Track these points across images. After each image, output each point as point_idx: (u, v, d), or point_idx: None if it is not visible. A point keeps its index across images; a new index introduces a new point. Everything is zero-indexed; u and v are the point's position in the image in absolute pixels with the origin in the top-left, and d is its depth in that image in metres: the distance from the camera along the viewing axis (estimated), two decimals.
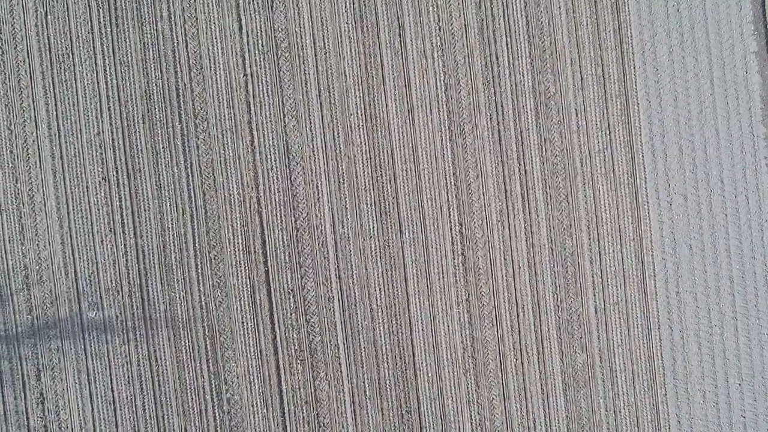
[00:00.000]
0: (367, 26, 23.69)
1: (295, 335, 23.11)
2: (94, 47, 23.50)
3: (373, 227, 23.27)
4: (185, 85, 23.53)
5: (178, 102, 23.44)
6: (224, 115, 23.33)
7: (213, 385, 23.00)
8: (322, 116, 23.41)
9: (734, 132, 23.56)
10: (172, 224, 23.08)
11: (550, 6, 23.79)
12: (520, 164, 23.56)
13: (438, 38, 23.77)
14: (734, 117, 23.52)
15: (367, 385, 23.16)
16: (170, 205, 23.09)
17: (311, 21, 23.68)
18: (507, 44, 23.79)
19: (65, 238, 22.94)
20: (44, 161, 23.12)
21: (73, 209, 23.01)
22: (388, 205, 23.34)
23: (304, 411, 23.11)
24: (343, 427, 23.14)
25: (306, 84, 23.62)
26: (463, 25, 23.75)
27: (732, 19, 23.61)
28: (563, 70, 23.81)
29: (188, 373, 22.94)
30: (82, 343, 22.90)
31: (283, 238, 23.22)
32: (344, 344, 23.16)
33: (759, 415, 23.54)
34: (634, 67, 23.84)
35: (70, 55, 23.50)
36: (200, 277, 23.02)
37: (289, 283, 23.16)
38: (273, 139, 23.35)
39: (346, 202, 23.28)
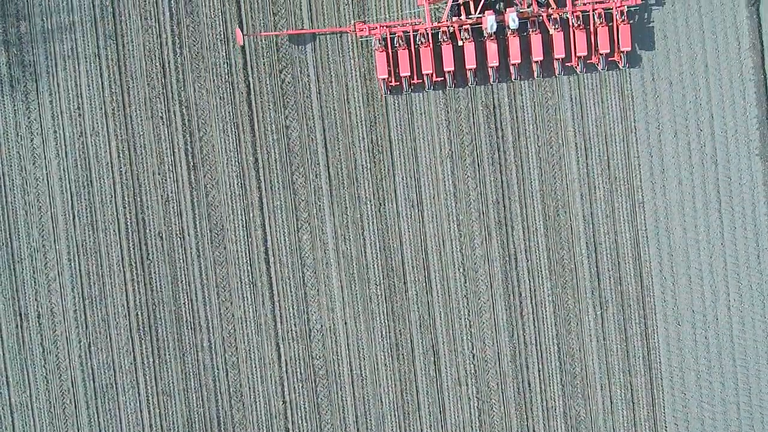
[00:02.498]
0: (402, 354, 24.33)
1: None
2: (136, 377, 24.13)
3: None
4: (225, 413, 24.20)
5: (219, 430, 24.19)
6: None
7: None
8: None
9: None
10: None
11: (581, 333, 24.40)
12: None
13: (472, 365, 24.42)
14: None
15: None
16: None
17: (348, 348, 24.30)
18: (539, 371, 24.45)
19: None
20: None
21: None
22: None
23: None
24: None
25: (343, 410, 24.32)
26: (496, 352, 24.39)
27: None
28: (593, 395, 24.47)
29: None
30: None
31: None
32: None
33: None
34: (663, 391, 24.52)
35: (114, 385, 24.13)
36: None
37: None
38: None
39: None
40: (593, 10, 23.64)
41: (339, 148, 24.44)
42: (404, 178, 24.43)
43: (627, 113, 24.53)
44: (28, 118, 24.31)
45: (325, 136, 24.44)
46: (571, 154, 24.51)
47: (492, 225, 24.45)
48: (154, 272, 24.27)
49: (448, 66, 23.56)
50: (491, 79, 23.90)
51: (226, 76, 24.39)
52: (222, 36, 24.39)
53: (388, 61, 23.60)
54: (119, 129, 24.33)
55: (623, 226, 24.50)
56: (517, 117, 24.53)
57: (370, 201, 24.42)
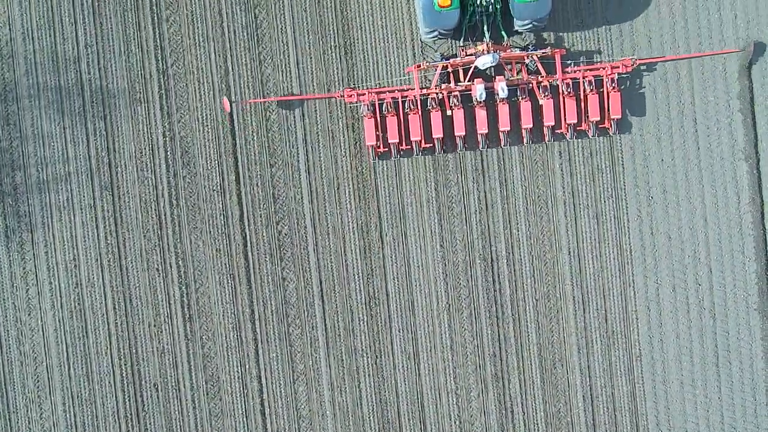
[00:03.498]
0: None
1: None
2: None
3: None
4: None
5: None
6: None
7: None
8: None
9: None
10: None
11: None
12: None
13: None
14: None
15: None
16: None
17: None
18: None
19: None
20: None
21: None
22: None
23: None
24: None
25: None
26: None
27: None
28: None
29: None
30: None
31: None
32: None
33: None
34: None
35: None
36: None
37: None
38: None
39: None
40: (583, 78, 23.53)
41: (336, 300, 24.40)
42: (401, 330, 24.40)
43: (625, 267, 24.45)
44: (24, 268, 24.23)
45: (321, 288, 24.39)
46: (569, 308, 24.46)
47: (488, 378, 24.42)
48: (150, 423, 24.27)
49: (437, 133, 23.49)
50: (480, 146, 23.78)
51: (223, 228, 24.30)
52: (219, 187, 24.29)
53: (376, 127, 23.47)
54: (115, 280, 24.26)
55: (620, 380, 24.48)
56: (515, 271, 24.45)
57: (367, 353, 24.38)
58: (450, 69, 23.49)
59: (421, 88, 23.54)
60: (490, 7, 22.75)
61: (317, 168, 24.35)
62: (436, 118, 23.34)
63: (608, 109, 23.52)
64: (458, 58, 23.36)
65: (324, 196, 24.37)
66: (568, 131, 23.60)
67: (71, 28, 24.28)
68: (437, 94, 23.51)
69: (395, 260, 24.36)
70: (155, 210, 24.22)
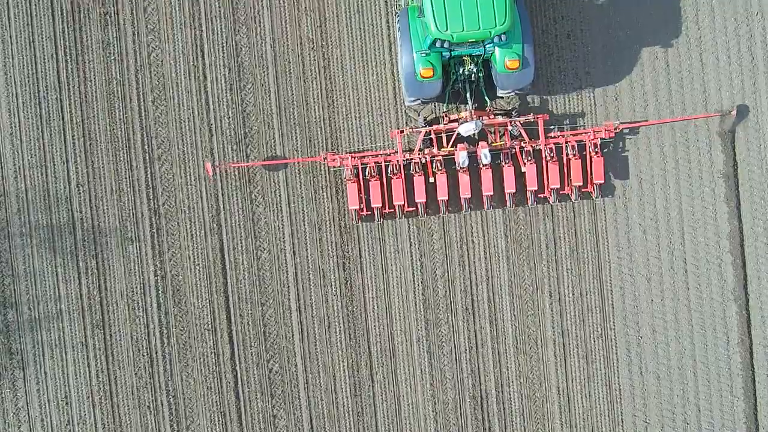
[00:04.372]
0: None
1: None
2: None
3: None
4: None
5: None
6: None
7: None
8: None
9: None
10: None
11: None
12: None
13: None
14: None
15: None
16: None
17: None
18: None
19: None
20: None
21: None
22: None
23: None
24: None
25: None
26: None
27: None
28: None
29: None
30: None
31: None
32: None
33: None
34: None
35: None
36: None
37: None
38: None
39: None
40: (566, 142, 23.70)
41: None
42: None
43: (614, 406, 24.59)
44: (16, 405, 24.36)
45: (312, 425, 24.49)
46: None
47: None
48: None
49: (420, 197, 23.58)
50: (463, 209, 23.92)
51: (214, 366, 24.41)
52: (209, 326, 24.41)
53: (359, 190, 23.63)
54: (106, 418, 24.39)
55: None
56: (504, 409, 24.59)
57: None
58: (433, 135, 23.64)
59: (404, 151, 23.65)
60: (473, 75, 22.82)
61: (308, 307, 24.47)
62: (419, 182, 23.53)
63: (591, 174, 23.66)
64: (441, 125, 23.59)
65: (315, 334, 24.50)
66: (551, 195, 23.81)
67: (63, 167, 24.34)
68: (420, 158, 23.42)
69: (385, 399, 24.47)
70: (146, 348, 24.34)
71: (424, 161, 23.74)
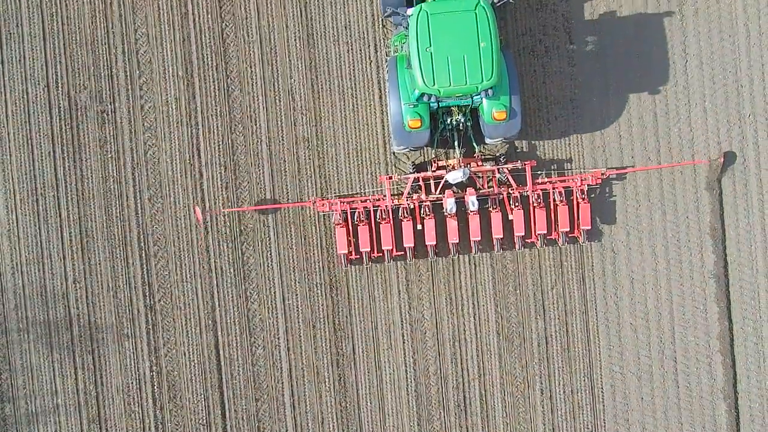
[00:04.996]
0: None
1: None
2: None
3: None
4: None
5: None
6: None
7: None
8: None
9: None
10: None
11: None
12: None
13: None
14: None
15: None
16: None
17: None
18: None
19: None
20: None
21: None
22: None
23: None
24: None
25: None
26: None
27: None
28: None
29: None
30: None
31: None
32: None
33: None
34: None
35: None
36: None
37: None
38: None
39: None
40: (553, 189, 24.00)
41: None
42: None
43: None
44: None
45: None
46: None
47: None
48: None
49: (408, 242, 23.89)
50: (451, 253, 24.23)
51: None
52: (204, 421, 24.68)
53: (348, 233, 23.92)
54: None
55: None
56: None
57: None
58: (421, 182, 23.95)
59: (393, 196, 24.01)
60: (461, 125, 23.19)
61: (302, 403, 24.74)
62: (407, 227, 23.83)
63: (578, 219, 23.99)
64: (429, 171, 23.90)
65: (309, 429, 24.73)
66: (538, 240, 24.11)
67: (60, 264, 24.58)
68: (409, 204, 23.77)
69: None
70: None
71: (412, 206, 24.08)
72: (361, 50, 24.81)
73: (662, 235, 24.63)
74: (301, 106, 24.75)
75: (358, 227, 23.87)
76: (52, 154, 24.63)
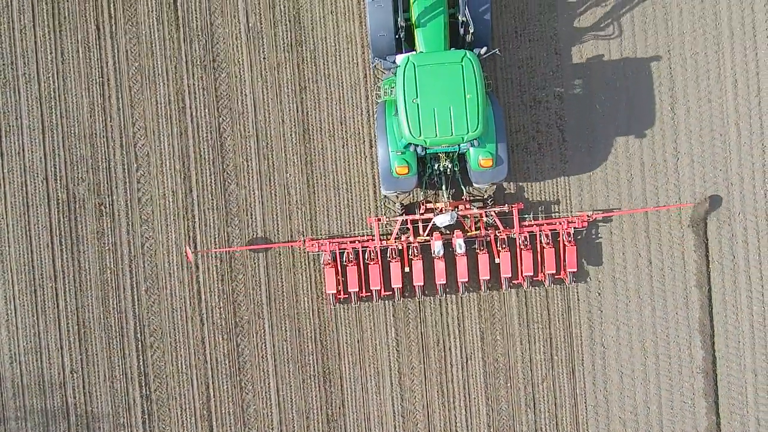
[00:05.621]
0: None
1: None
2: None
3: None
4: None
5: None
6: None
7: None
8: None
9: None
10: None
11: None
12: None
13: None
14: None
15: None
16: None
17: None
18: None
19: None
20: None
21: None
22: None
23: None
24: None
25: None
26: None
27: None
28: None
29: None
30: None
31: None
32: None
33: None
34: None
35: None
36: None
37: None
38: None
39: None
40: (540, 231, 24.40)
41: None
42: None
43: None
44: None
45: None
46: None
47: None
48: None
49: (396, 283, 24.32)
50: (439, 293, 24.62)
51: None
52: None
53: (336, 273, 24.27)
54: None
55: None
56: None
57: None
58: (409, 224, 24.36)
59: (381, 236, 24.40)
60: (448, 170, 23.57)
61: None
62: (395, 268, 24.22)
63: (564, 261, 24.36)
64: (417, 214, 24.31)
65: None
66: (524, 281, 24.50)
67: (57, 354, 24.92)
68: (397, 245, 24.18)
69: None
70: None
71: (400, 248, 24.42)
72: (353, 92, 25.07)
73: (651, 331, 24.99)
74: (297, 200, 25.08)
75: (347, 267, 24.20)
76: (50, 245, 24.95)
